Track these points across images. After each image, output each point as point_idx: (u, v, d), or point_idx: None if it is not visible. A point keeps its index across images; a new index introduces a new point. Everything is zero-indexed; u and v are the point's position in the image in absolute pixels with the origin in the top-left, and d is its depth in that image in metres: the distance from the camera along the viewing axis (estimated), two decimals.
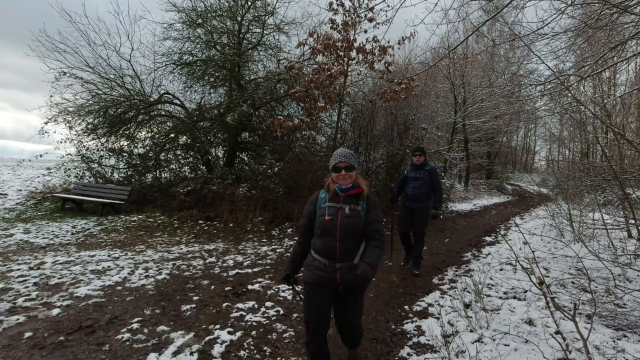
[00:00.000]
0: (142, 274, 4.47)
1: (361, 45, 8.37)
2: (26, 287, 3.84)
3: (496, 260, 5.73)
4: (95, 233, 6.79)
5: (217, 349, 2.73)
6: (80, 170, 10.23)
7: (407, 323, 3.37)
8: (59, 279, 4.15)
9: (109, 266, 4.70)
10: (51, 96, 9.86)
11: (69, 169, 10.22)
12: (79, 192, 9.09)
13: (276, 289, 4.11)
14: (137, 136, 10.73)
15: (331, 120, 10.90)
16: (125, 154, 10.47)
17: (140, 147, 10.67)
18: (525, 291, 4.13)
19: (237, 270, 4.82)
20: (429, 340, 2.99)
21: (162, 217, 8.29)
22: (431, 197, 4.89)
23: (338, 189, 2.12)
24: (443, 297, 4.03)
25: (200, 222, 7.92)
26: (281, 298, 3.86)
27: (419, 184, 4.81)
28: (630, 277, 4.56)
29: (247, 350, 2.74)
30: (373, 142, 10.91)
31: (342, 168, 2.10)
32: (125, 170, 10.34)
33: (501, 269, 5.15)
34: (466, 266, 5.48)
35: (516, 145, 32.63)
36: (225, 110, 10.02)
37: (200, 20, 9.94)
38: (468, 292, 4.04)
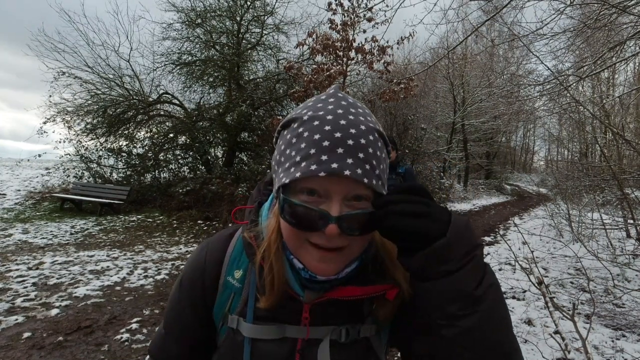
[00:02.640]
0: (141, 274, 4.47)
1: (360, 45, 8.38)
2: (25, 288, 3.83)
3: (495, 260, 5.73)
4: (94, 233, 6.77)
5: None
6: (79, 170, 10.22)
7: None
8: (57, 279, 4.14)
9: (107, 266, 4.69)
10: (50, 96, 9.89)
11: (68, 169, 10.21)
12: (78, 192, 9.07)
13: None
14: (136, 136, 10.75)
15: None
16: (124, 154, 10.47)
17: (139, 147, 10.68)
18: (524, 291, 4.13)
19: None
20: None
21: (161, 217, 8.28)
22: None
23: (303, 279, 0.55)
24: None
25: (199, 222, 7.91)
26: None
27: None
28: (628, 277, 4.57)
29: None
30: None
31: (335, 203, 0.48)
32: (124, 170, 10.34)
33: (500, 269, 5.15)
34: None
35: (515, 145, 32.73)
36: (224, 110, 10.01)
37: (199, 20, 9.95)
38: None
